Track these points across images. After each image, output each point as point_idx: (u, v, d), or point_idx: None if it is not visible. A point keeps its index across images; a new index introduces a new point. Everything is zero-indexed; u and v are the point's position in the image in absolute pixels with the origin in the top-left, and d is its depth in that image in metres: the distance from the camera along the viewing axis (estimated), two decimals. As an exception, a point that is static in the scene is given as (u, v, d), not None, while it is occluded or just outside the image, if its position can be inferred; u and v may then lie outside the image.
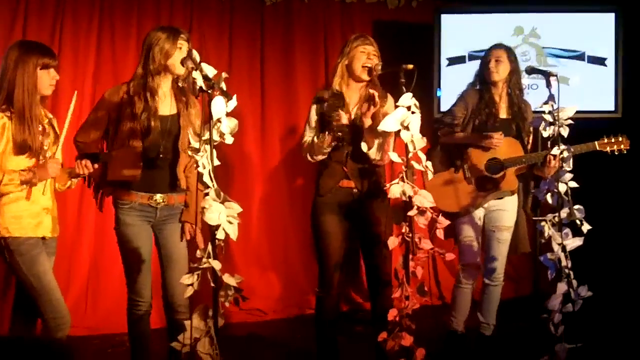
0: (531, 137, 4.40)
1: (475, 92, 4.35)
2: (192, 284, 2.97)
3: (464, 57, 5.72)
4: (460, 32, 5.75)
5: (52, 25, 5.18)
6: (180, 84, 3.72)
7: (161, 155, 3.64)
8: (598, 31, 5.73)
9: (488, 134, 4.18)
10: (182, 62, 3.22)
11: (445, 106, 5.57)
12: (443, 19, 5.76)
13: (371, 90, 3.77)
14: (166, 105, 3.70)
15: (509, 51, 4.33)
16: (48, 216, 3.47)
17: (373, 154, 3.82)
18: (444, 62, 5.75)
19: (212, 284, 2.96)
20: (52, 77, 3.45)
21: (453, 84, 5.37)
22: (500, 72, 4.28)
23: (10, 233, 3.35)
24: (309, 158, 3.92)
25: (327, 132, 3.80)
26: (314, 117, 3.96)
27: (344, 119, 3.76)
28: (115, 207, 3.73)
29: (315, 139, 3.85)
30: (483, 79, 4.35)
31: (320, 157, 3.90)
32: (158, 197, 3.68)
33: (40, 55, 3.41)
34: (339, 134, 3.72)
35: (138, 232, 3.68)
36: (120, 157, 3.62)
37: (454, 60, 5.73)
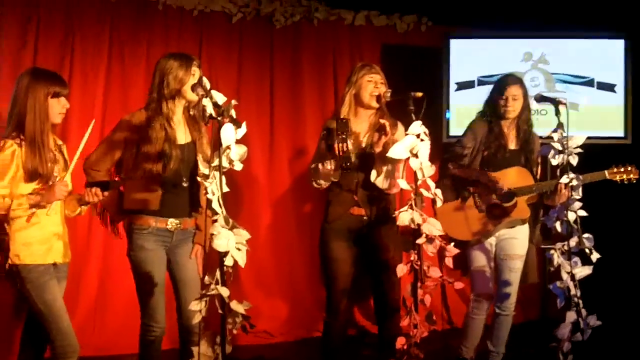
0: (539, 168, 4.39)
1: (484, 123, 4.33)
2: (200, 310, 2.97)
3: (473, 82, 5.73)
4: (470, 57, 5.77)
5: (61, 50, 5.19)
6: (191, 112, 3.73)
7: (185, 183, 3.67)
8: (607, 57, 5.74)
9: (494, 179, 4.18)
10: (193, 89, 3.23)
11: (453, 130, 5.59)
12: (452, 43, 5.77)
13: (382, 120, 3.77)
14: (181, 132, 3.72)
15: (524, 87, 4.30)
16: (59, 242, 3.47)
17: (380, 182, 3.82)
18: (452, 86, 5.75)
19: (220, 311, 2.96)
20: (62, 105, 3.46)
21: (462, 109, 5.38)
22: (516, 109, 4.27)
23: (21, 260, 3.35)
24: (315, 184, 3.93)
25: (331, 160, 3.80)
26: (323, 146, 3.97)
27: (349, 146, 3.73)
28: (130, 233, 3.71)
29: (320, 166, 3.86)
30: (494, 111, 4.32)
31: (325, 184, 3.90)
32: (174, 221, 3.69)
33: (51, 83, 3.42)
34: (347, 163, 3.70)
35: (154, 257, 3.68)
36: (136, 184, 3.63)
37: (463, 85, 5.74)
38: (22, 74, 3.47)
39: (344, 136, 3.67)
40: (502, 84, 4.31)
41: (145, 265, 3.67)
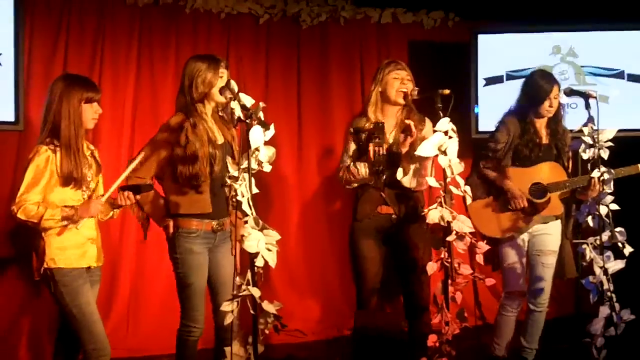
0: (570, 162, 4.34)
1: (516, 119, 4.28)
2: (232, 311, 2.99)
3: (501, 77, 5.69)
4: (497, 52, 5.73)
5: (91, 55, 5.24)
6: (220, 114, 3.76)
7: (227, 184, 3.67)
8: (637, 49, 5.67)
9: (515, 196, 4.15)
10: (221, 92, 3.25)
11: (483, 125, 5.56)
12: (480, 39, 5.74)
13: (407, 121, 3.76)
14: (218, 135, 3.74)
15: (559, 85, 4.24)
16: (93, 246, 3.52)
17: (407, 182, 3.81)
18: (481, 82, 5.72)
19: (252, 312, 2.98)
20: (95, 110, 3.50)
21: (491, 104, 5.35)
22: (556, 108, 4.23)
23: (56, 264, 3.39)
24: (348, 184, 3.94)
25: (363, 164, 3.80)
26: (352, 146, 3.97)
27: (383, 150, 3.72)
28: (176, 236, 3.70)
29: (352, 168, 3.86)
30: (529, 109, 4.25)
31: (355, 185, 3.91)
32: (219, 222, 3.72)
33: (85, 89, 3.46)
34: (381, 167, 3.68)
35: (202, 260, 3.71)
36: (181, 188, 3.65)
37: (491, 80, 5.71)
38: (55, 80, 3.52)
39: (379, 140, 3.65)
40: (546, 85, 4.19)
41: (192, 268, 3.69)
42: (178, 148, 3.62)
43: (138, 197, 3.48)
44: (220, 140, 3.72)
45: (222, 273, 3.80)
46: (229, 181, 3.05)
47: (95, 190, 3.56)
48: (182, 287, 3.72)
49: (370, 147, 3.68)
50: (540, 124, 4.28)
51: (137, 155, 3.70)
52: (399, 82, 3.90)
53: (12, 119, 4.76)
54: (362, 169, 3.81)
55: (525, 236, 4.29)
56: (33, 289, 4.84)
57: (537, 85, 4.21)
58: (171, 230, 3.70)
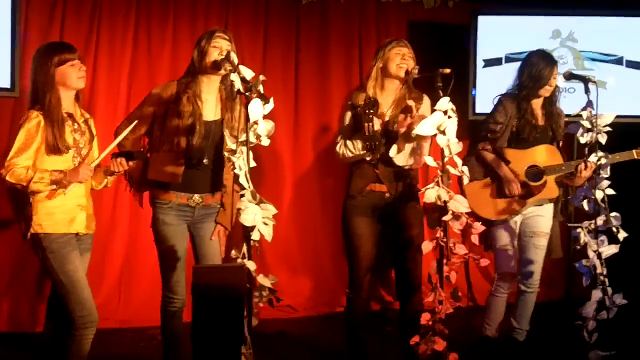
0: (560, 143, 4.33)
1: (513, 99, 4.28)
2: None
3: (500, 59, 5.67)
4: (497, 34, 5.71)
5: (88, 26, 5.21)
6: (220, 85, 3.74)
7: (206, 161, 3.68)
8: (637, 35, 5.66)
9: (510, 182, 4.16)
10: (220, 64, 3.24)
11: (480, 107, 5.55)
12: (480, 20, 5.71)
13: (409, 102, 3.74)
14: (211, 110, 3.73)
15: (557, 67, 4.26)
16: (82, 212, 3.49)
17: (399, 160, 3.79)
18: (480, 63, 5.71)
19: (247, 285, 2.98)
20: (78, 68, 3.46)
21: (489, 86, 5.34)
22: (552, 88, 4.23)
23: (43, 229, 3.38)
24: (344, 160, 3.92)
25: (359, 140, 3.78)
26: (347, 121, 3.96)
27: (377, 126, 3.69)
28: (153, 206, 3.79)
29: (348, 143, 3.84)
30: (527, 89, 4.23)
31: (352, 161, 3.89)
32: (197, 197, 3.73)
33: (57, 53, 3.43)
34: (375, 142, 3.67)
35: (175, 231, 3.74)
36: (160, 157, 3.67)
37: (490, 62, 5.69)
38: (36, 50, 3.52)
39: (371, 115, 3.64)
40: (546, 66, 4.18)
41: (166, 239, 3.74)
42: (160, 117, 3.68)
43: (131, 163, 3.47)
44: (209, 116, 3.70)
45: (207, 248, 3.82)
46: (227, 154, 3.04)
47: (87, 157, 3.53)
48: (159, 258, 3.80)
49: (365, 122, 3.66)
50: (537, 105, 4.28)
51: (122, 123, 3.73)
52: (400, 57, 3.88)
53: (8, 85, 4.82)
54: (358, 144, 3.79)
55: (517, 218, 4.30)
56: (25, 253, 4.84)
57: (537, 66, 4.20)
58: (136, 199, 3.86)
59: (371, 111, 3.61)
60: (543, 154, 4.21)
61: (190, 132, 3.62)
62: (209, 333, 2.75)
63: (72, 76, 3.44)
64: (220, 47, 3.63)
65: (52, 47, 3.52)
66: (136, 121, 3.57)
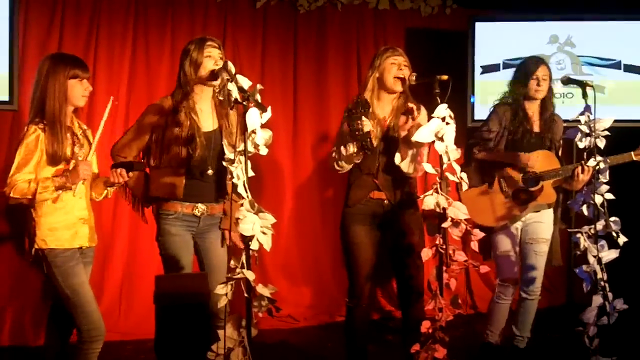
0: (560, 150, 4.34)
1: (507, 106, 4.29)
2: (226, 294, 2.98)
3: (498, 65, 5.68)
4: (495, 41, 5.72)
5: (87, 37, 5.23)
6: (219, 97, 3.73)
7: (210, 172, 3.68)
8: (634, 39, 5.67)
9: (524, 157, 4.16)
10: (218, 74, 3.24)
11: (478, 114, 5.56)
12: (477, 27, 5.73)
13: (410, 104, 3.73)
14: (208, 120, 3.73)
15: (549, 68, 4.29)
16: (85, 226, 3.50)
17: (405, 166, 3.79)
18: (477, 70, 5.71)
19: (246, 295, 2.98)
20: (84, 88, 3.48)
21: (487, 92, 5.35)
22: (545, 90, 4.24)
23: (47, 245, 3.38)
24: (336, 167, 3.88)
25: (352, 143, 3.77)
26: (344, 129, 3.95)
27: (367, 127, 3.66)
28: (157, 218, 3.76)
29: (342, 149, 3.83)
30: (520, 94, 4.27)
31: (346, 166, 3.86)
32: (201, 206, 3.72)
33: (71, 66, 3.44)
34: (366, 141, 3.65)
35: (181, 242, 3.72)
36: (161, 172, 3.67)
37: (488, 69, 5.70)
38: (43, 59, 3.51)
39: (358, 115, 3.62)
40: (533, 64, 4.26)
41: (171, 250, 3.72)
42: (159, 131, 3.67)
43: (131, 174, 3.47)
44: (208, 127, 3.71)
45: (212, 259, 3.81)
46: (225, 164, 3.04)
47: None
48: (165, 269, 3.77)
49: (355, 123, 3.63)
50: (532, 111, 4.29)
51: (124, 137, 3.75)
52: (397, 67, 3.86)
53: (6, 98, 4.81)
54: (351, 148, 3.76)
55: (518, 224, 4.30)
56: (26, 268, 4.84)
57: (524, 65, 4.28)
58: (139, 215, 3.87)
59: (362, 110, 3.60)
60: (540, 159, 4.20)
61: (191, 145, 3.62)
62: (172, 341, 2.74)
63: (78, 93, 3.45)
64: (214, 56, 3.64)
65: (67, 59, 3.52)
66: (112, 98, 3.53)
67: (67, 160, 3.41)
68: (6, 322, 5.00)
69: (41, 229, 3.38)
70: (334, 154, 3.91)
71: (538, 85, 4.22)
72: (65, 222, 3.43)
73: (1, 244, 5.03)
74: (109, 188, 3.60)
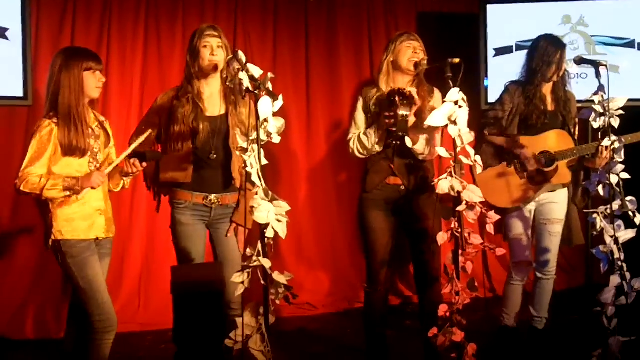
0: (577, 129, 4.32)
1: (520, 86, 4.27)
2: (242, 282, 3.00)
3: (511, 47, 5.63)
4: (507, 22, 5.67)
5: (99, 31, 5.25)
6: (228, 84, 3.75)
7: (213, 156, 3.70)
8: (648, 18, 5.60)
9: (525, 155, 4.15)
10: (228, 63, 3.25)
11: (492, 97, 5.52)
12: (489, 9, 5.68)
13: (408, 89, 3.71)
14: (215, 105, 3.76)
15: (566, 50, 4.24)
16: (101, 217, 3.53)
17: (420, 149, 3.79)
18: (490, 52, 5.68)
19: (263, 282, 2.99)
20: (98, 79, 3.50)
21: (500, 75, 5.31)
22: (561, 72, 4.21)
23: (63, 236, 3.41)
24: (357, 154, 3.90)
25: (374, 131, 3.76)
26: (360, 114, 3.94)
27: (412, 121, 3.69)
28: (171, 207, 3.83)
29: (362, 136, 3.83)
30: (537, 74, 4.21)
31: (365, 155, 3.87)
32: (213, 197, 3.76)
33: (85, 58, 3.47)
34: (400, 135, 3.65)
35: (192, 232, 3.77)
36: (170, 159, 3.71)
37: (501, 51, 5.66)
38: (56, 54, 3.53)
39: (406, 105, 3.62)
40: (553, 50, 4.19)
41: (182, 239, 3.78)
42: (165, 122, 3.75)
43: (144, 164, 3.49)
44: (214, 112, 3.76)
45: (225, 249, 3.85)
46: (238, 153, 3.05)
47: (104, 162, 3.56)
48: (177, 258, 3.83)
49: (396, 114, 3.62)
50: (546, 90, 4.26)
51: (138, 129, 3.78)
52: (412, 50, 3.87)
53: (20, 94, 4.81)
54: (373, 137, 3.78)
55: (531, 206, 4.29)
56: (46, 262, 4.88)
57: (544, 49, 4.20)
58: (155, 199, 3.92)
59: (404, 103, 3.60)
60: (554, 140, 4.19)
61: (194, 130, 3.67)
62: (190, 329, 2.75)
63: (91, 84, 3.47)
64: (210, 45, 3.69)
65: (81, 51, 3.56)
66: (150, 130, 3.62)
67: (83, 152, 3.43)
68: (29, 315, 5.04)
69: (58, 220, 3.41)
70: (351, 143, 3.90)
71: (558, 69, 4.18)
72: (82, 213, 3.45)
73: (22, 239, 5.07)
74: (125, 178, 3.62)
